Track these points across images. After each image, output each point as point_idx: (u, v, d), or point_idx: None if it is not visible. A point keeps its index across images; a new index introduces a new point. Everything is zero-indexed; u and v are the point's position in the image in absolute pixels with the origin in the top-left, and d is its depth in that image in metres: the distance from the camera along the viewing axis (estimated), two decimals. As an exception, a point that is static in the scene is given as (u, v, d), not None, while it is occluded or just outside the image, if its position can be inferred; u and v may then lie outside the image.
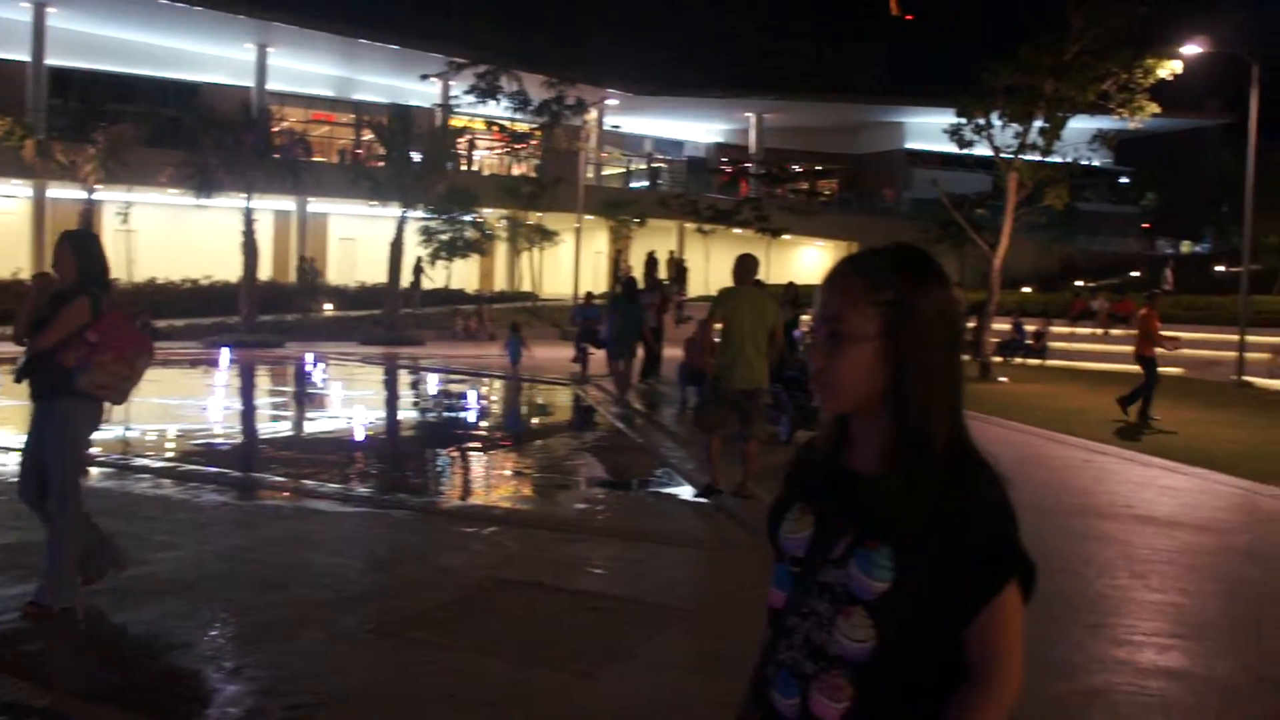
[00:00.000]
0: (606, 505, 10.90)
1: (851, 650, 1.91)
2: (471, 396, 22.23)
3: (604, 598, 7.34)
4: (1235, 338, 26.87)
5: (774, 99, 64.93)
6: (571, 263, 43.08)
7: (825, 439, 2.12)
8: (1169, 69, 25.89)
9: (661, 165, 64.36)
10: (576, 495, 11.76)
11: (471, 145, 50.95)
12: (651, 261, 39.56)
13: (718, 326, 10.30)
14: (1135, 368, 18.59)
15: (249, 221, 32.17)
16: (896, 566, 1.88)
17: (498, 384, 23.68)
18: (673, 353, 20.78)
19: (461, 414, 19.86)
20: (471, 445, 15.40)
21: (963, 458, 1.95)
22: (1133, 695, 5.96)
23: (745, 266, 10.43)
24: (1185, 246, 75.37)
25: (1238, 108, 30.62)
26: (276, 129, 39.00)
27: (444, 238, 38.60)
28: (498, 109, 42.92)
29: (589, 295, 26.72)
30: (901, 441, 1.95)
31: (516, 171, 49.32)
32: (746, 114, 65.08)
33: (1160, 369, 18.47)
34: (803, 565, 2.03)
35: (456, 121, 46.85)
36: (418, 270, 39.34)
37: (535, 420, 19.53)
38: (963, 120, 26.92)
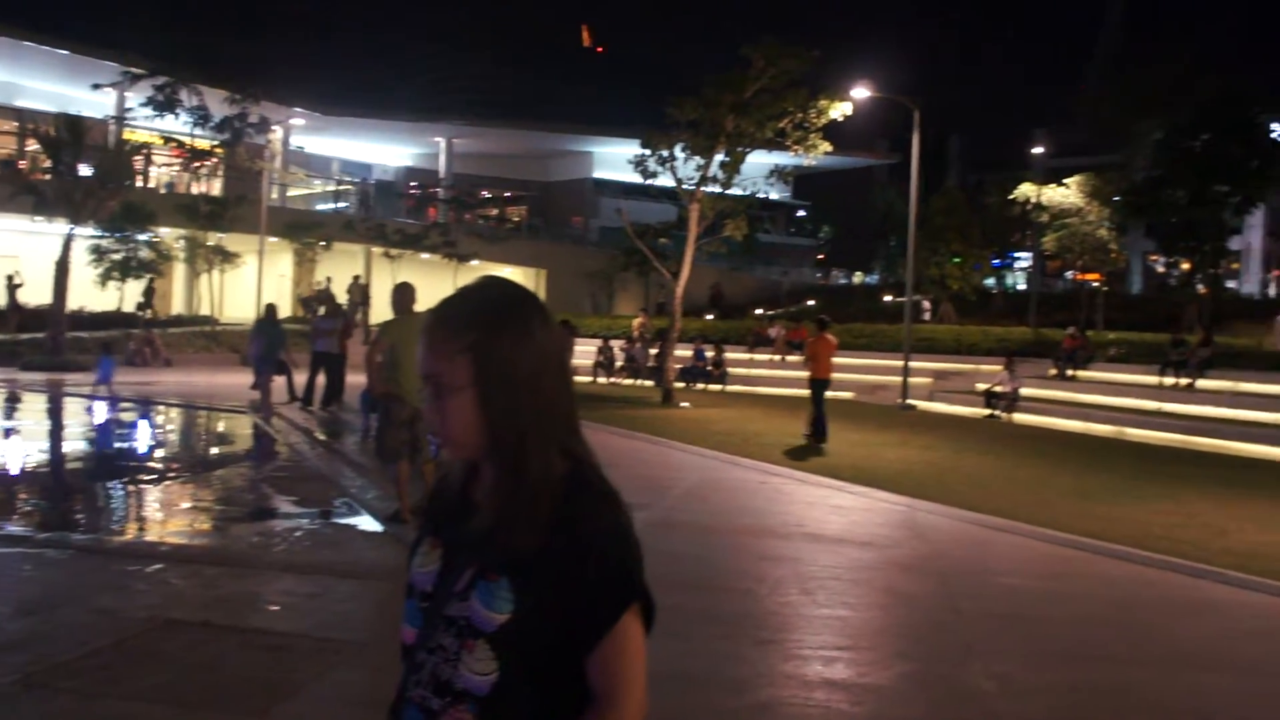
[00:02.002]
0: (281, 538, 10.49)
1: (475, 684, 1.91)
2: (142, 425, 21.13)
3: (276, 634, 7.10)
4: (900, 363, 28.50)
5: (464, 124, 64.89)
6: (254, 286, 41.64)
7: (456, 473, 2.13)
8: (840, 110, 27.21)
9: (349, 188, 63.23)
10: (250, 528, 11.23)
11: (148, 160, 48.61)
12: (323, 295, 38.64)
13: (380, 358, 10.35)
14: (806, 392, 19.43)
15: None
16: (516, 598, 1.90)
17: (172, 412, 22.62)
18: (357, 379, 20.44)
19: (130, 444, 18.81)
20: (139, 477, 14.52)
21: (579, 489, 1.97)
22: (799, 707, 6.19)
23: (404, 295, 10.59)
24: (857, 277, 79.55)
25: (904, 149, 32.66)
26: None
27: (116, 257, 36.64)
28: (177, 123, 41.13)
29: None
30: (499, 478, 1.98)
31: (196, 190, 47.38)
32: (436, 138, 64.75)
33: (830, 393, 19.38)
34: (431, 600, 2.03)
35: (132, 135, 44.68)
36: (149, 293, 37.35)
37: (211, 450, 18.70)
38: (647, 152, 27.51)
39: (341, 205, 59.72)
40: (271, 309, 22.17)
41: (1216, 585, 9.60)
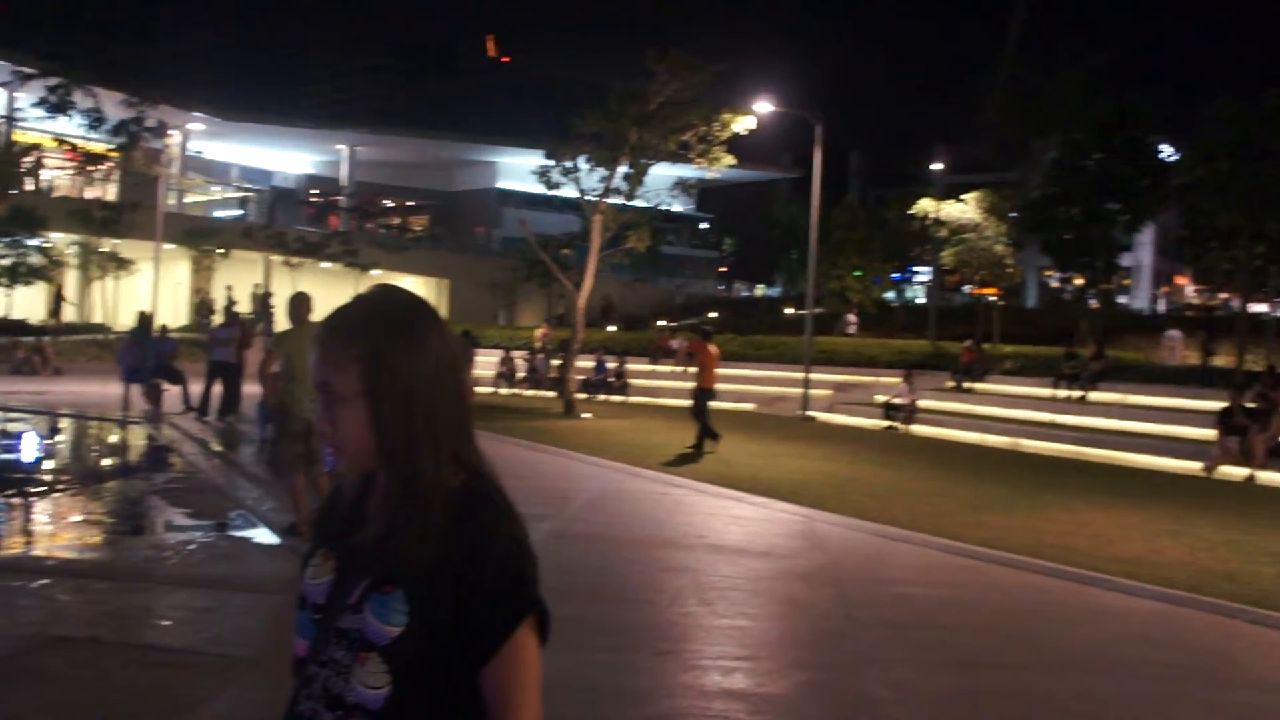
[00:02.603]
0: (175, 551, 10.24)
1: (368, 697, 1.88)
2: (28, 436, 20.56)
3: (168, 651, 6.95)
4: (801, 375, 28.75)
5: (367, 132, 64.44)
6: (150, 294, 40.84)
7: (349, 484, 2.10)
8: (743, 124, 27.41)
9: (249, 195, 62.38)
10: (142, 542, 10.94)
11: (39, 163, 47.45)
12: (201, 304, 38.06)
13: (275, 368, 10.18)
14: (711, 403, 19.51)
15: None
16: (410, 610, 1.87)
17: (62, 423, 22.07)
18: (255, 389, 20.14)
19: (15, 455, 18.28)
20: (25, 490, 14.12)
21: (473, 500, 1.95)
22: (698, 718, 6.20)
23: (299, 305, 10.39)
24: (759, 290, 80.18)
25: (806, 163, 33.03)
26: None
27: (4, 263, 35.76)
28: (71, 125, 40.23)
29: (163, 329, 25.36)
30: (390, 488, 1.95)
31: (90, 194, 46.36)
32: (339, 146, 64.16)
33: (732, 405, 19.49)
34: (323, 612, 1.99)
35: (22, 137, 43.65)
36: (58, 300, 36.40)
37: (102, 461, 18.28)
38: (551, 163, 27.47)
39: (241, 213, 58.85)
40: (144, 318, 21.92)
41: (1106, 592, 9.80)
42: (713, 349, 20.06)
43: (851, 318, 45.57)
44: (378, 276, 47.25)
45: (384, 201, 74.63)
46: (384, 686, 1.87)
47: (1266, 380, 22.07)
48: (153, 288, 41.12)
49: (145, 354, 20.73)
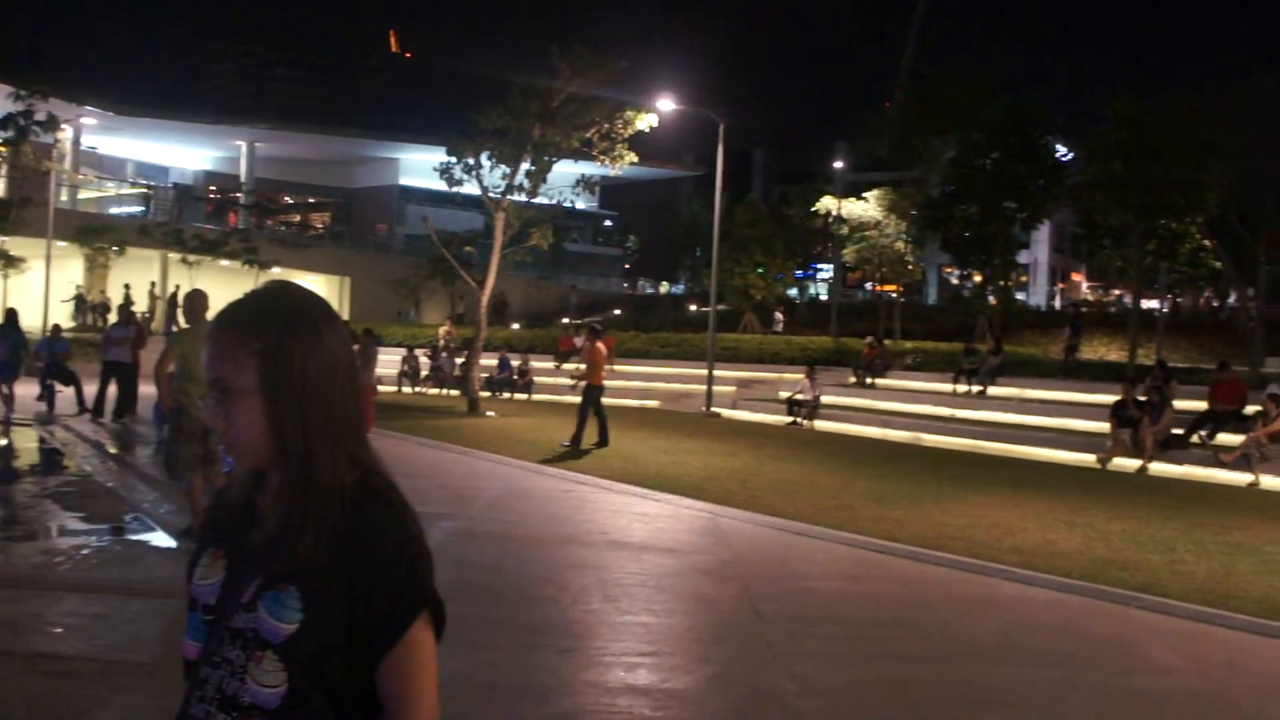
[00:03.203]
0: (67, 556, 9.96)
1: (264, 696, 1.85)
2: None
3: (59, 658, 6.76)
4: (704, 372, 28.87)
5: (267, 128, 63.47)
6: (41, 293, 39.83)
7: (240, 482, 2.06)
8: (647, 122, 27.44)
9: (145, 191, 61.11)
10: (33, 547, 10.61)
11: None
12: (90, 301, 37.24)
13: (171, 368, 9.93)
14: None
15: None
16: (305, 608, 1.85)
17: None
18: (151, 390, 19.75)
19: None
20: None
21: (368, 497, 1.93)
22: (602, 714, 6.17)
23: (195, 303, 10.13)
24: (663, 287, 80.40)
25: (709, 161, 33.18)
26: None
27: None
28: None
29: (56, 328, 24.74)
30: (287, 484, 1.93)
31: (-24, 191, 45.10)
32: (237, 142, 63.09)
33: (635, 402, 19.49)
34: (215, 613, 1.95)
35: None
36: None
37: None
38: (453, 160, 27.27)
39: (137, 209, 57.62)
40: (11, 314, 21.35)
41: (1004, 582, 9.96)
42: (601, 346, 20.13)
43: (779, 315, 45.89)
44: (278, 274, 46.60)
45: (284, 198, 73.63)
46: (280, 685, 1.84)
47: (1157, 374, 22.61)
48: (44, 287, 40.10)
49: (16, 350, 20.15)
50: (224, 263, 45.60)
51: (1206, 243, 35.74)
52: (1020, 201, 35.35)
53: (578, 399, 20.29)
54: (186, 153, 66.19)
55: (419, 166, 58.47)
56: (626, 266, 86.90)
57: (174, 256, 45.77)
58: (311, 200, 75.05)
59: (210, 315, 10.20)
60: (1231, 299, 57.27)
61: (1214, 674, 7.59)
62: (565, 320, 46.83)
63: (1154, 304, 46.52)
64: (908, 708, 6.67)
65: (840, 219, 42.57)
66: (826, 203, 43.06)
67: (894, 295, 48.12)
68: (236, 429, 1.91)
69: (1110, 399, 21.12)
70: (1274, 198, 33.93)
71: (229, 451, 1.97)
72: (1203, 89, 31.40)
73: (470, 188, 27.82)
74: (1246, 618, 8.87)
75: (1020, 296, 69.65)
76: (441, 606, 1.95)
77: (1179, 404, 21.14)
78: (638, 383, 31.79)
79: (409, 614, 1.89)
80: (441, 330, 36.82)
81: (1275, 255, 37.98)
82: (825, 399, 26.71)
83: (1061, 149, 38.32)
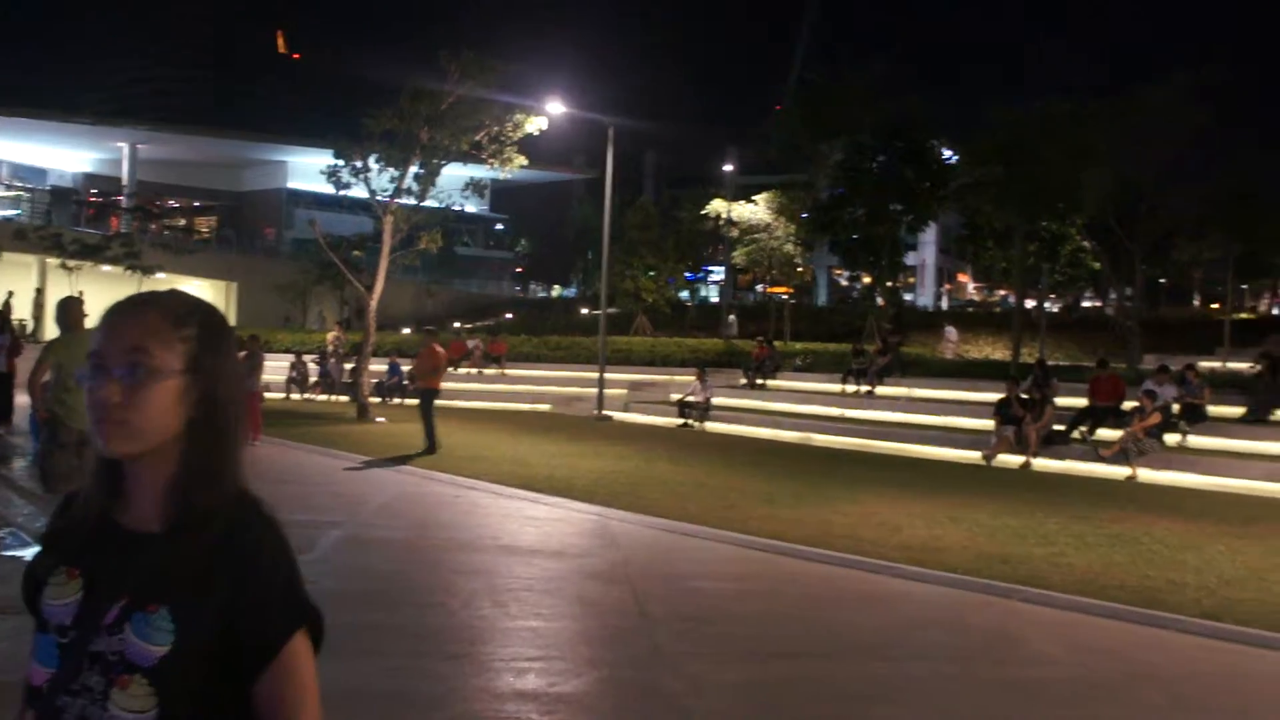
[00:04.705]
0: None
1: None
2: None
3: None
4: (595, 375, 28.87)
5: (149, 129, 62.14)
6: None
7: (93, 493, 1.93)
8: (537, 125, 27.38)
9: (21, 194, 59.46)
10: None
11: None
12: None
13: (46, 377, 9.62)
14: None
15: None
16: (177, 628, 1.77)
17: None
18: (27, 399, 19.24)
19: None
20: None
21: (242, 506, 1.88)
22: (489, 720, 6.13)
23: (70, 311, 9.83)
24: (555, 291, 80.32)
25: (601, 164, 33.21)
26: None
27: None
28: None
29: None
30: (191, 487, 1.84)
31: None
32: (119, 144, 61.65)
33: (527, 406, 19.39)
34: (71, 635, 1.83)
35: None
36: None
37: None
38: (341, 163, 26.94)
39: (13, 213, 56.04)
40: None
41: (891, 579, 10.10)
42: (439, 350, 19.78)
43: (731, 318, 45.94)
44: (162, 280, 45.65)
45: (168, 202, 72.16)
46: (149, 710, 1.75)
47: (1038, 372, 23.12)
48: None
49: None
50: (105, 268, 44.52)
51: (1086, 244, 36.66)
52: (906, 204, 35.94)
53: (462, 404, 20.08)
54: (66, 154, 64.57)
55: (307, 169, 57.69)
56: (518, 270, 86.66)
57: (53, 262, 44.56)
58: (197, 204, 73.69)
59: (89, 323, 9.96)
60: (1088, 301, 58.82)
61: (1092, 662, 7.77)
62: (457, 325, 46.49)
63: (1040, 304, 47.56)
64: (796, 705, 6.72)
65: (730, 222, 42.88)
66: (716, 205, 43.37)
67: (785, 297, 48.57)
68: (144, 409, 1.80)
69: (995, 397, 21.53)
70: (1148, 202, 34.88)
71: (114, 430, 1.81)
72: (1080, 97, 32.24)
73: (359, 191, 27.51)
74: (1123, 606, 9.11)
75: (908, 297, 70.78)
76: (319, 619, 1.90)
77: (1060, 401, 21.67)
78: (529, 386, 31.67)
79: (287, 629, 1.83)
80: (330, 335, 36.33)
81: (1151, 256, 39.06)
82: (716, 400, 26.87)
83: (947, 152, 39.03)
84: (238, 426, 1.90)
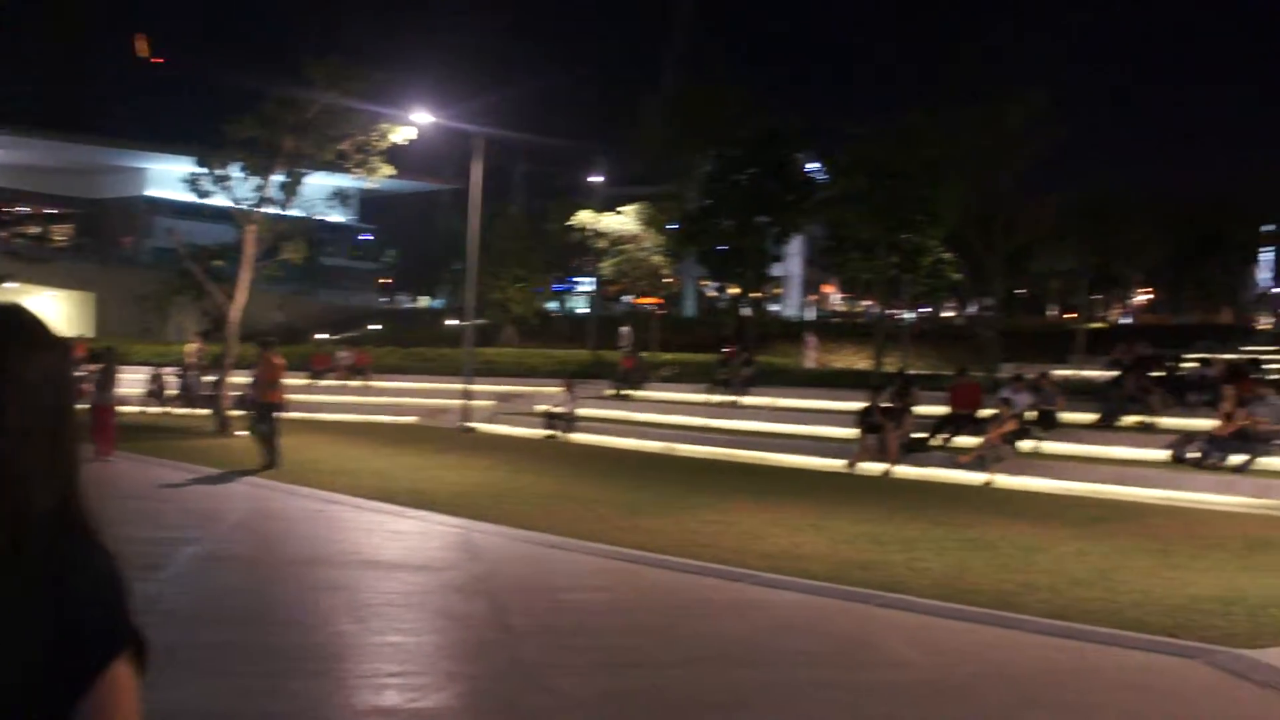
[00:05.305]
0: None
1: None
2: None
3: None
4: (462, 387, 28.67)
5: (1, 134, 60.07)
6: None
7: None
8: (403, 134, 27.14)
9: None
10: None
11: None
12: None
13: None
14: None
15: None
16: None
17: None
18: None
19: None
20: None
21: (72, 528, 1.80)
22: (345, 738, 6.05)
23: None
24: (422, 301, 79.62)
25: (468, 174, 32.89)
26: None
27: None
28: None
29: None
30: None
31: None
32: (-35, 149, 59.52)
33: (391, 418, 19.18)
34: None
35: None
36: None
37: None
38: (203, 170, 26.39)
39: None
40: None
41: (752, 586, 10.19)
42: (278, 360, 18.84)
43: (625, 329, 45.62)
44: (14, 290, 44.23)
45: (20, 209, 69.89)
46: None
47: (899, 381, 23.57)
48: None
49: None
50: (-50, 278, 42.99)
51: (946, 255, 37.51)
52: (773, 216, 36.40)
53: (326, 417, 19.62)
54: (-91, 160, 62.21)
55: (167, 177, 56.29)
56: (385, 281, 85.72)
57: (-106, 272, 42.91)
58: (52, 211, 71.46)
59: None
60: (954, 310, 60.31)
61: (947, 663, 7.93)
62: (322, 336, 45.84)
63: (913, 314, 48.59)
64: (656, 715, 6.74)
65: (598, 233, 42.96)
66: (584, 216, 43.39)
67: (653, 308, 48.79)
68: None
69: (858, 406, 21.88)
70: (1006, 214, 35.84)
71: None
72: (939, 112, 32.95)
73: (221, 199, 26.99)
74: (978, 609, 9.32)
75: (775, 308, 71.65)
76: (143, 642, 1.83)
77: (920, 409, 22.10)
78: (395, 399, 31.34)
79: (109, 652, 1.75)
80: (190, 348, 35.46)
81: (1009, 267, 40.12)
82: (583, 411, 26.88)
83: (813, 166, 39.64)
84: (45, 457, 1.79)
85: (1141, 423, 21.39)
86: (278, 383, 18.61)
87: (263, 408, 18.51)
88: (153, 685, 1.80)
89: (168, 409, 31.90)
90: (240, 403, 28.30)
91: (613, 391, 30.00)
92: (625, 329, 46.19)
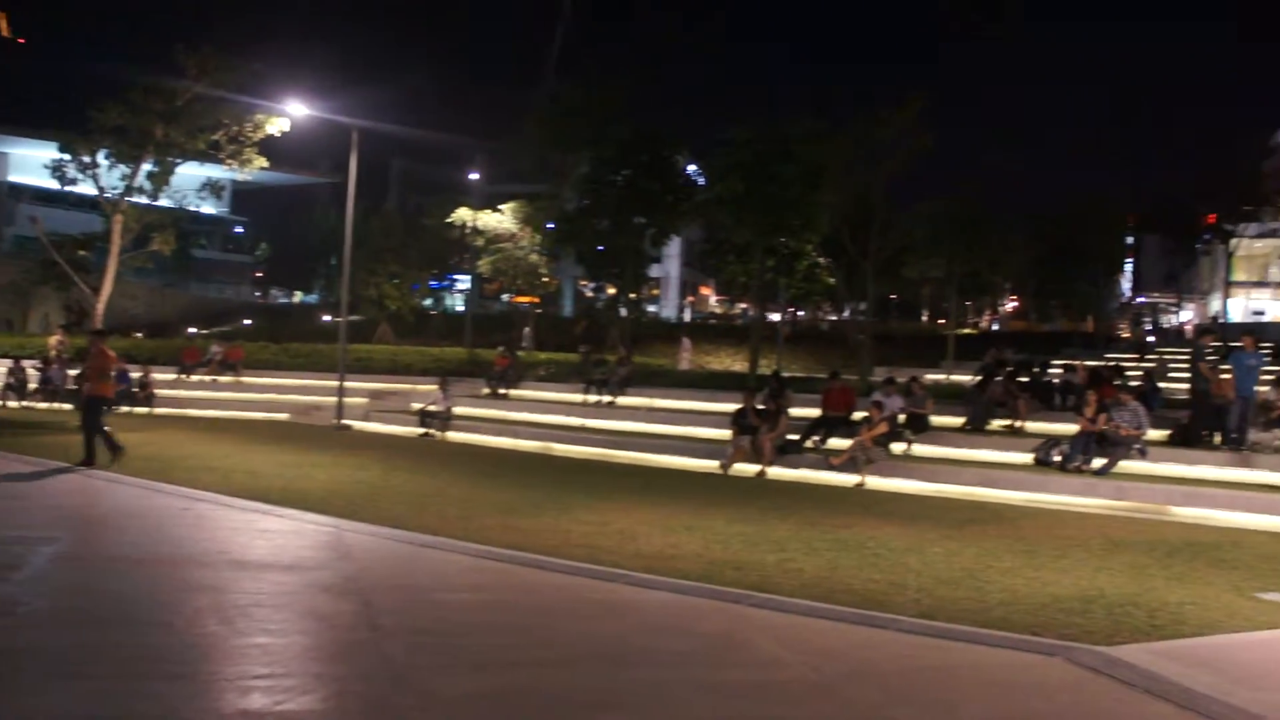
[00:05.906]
0: None
1: None
2: None
3: None
4: (336, 383, 28.29)
5: None
6: None
7: None
8: (278, 126, 26.76)
9: None
10: None
11: None
12: None
13: None
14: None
15: None
16: None
17: None
18: None
19: None
20: None
21: None
22: (210, 742, 5.93)
23: None
24: (297, 296, 78.41)
25: (346, 169, 32.46)
26: None
27: None
28: None
29: None
30: None
31: None
32: None
33: (264, 415, 18.88)
34: None
35: None
36: None
37: None
38: (67, 156, 25.71)
39: None
40: None
41: (626, 587, 10.21)
42: (109, 353, 18.43)
43: (527, 330, 45.18)
44: None
45: None
46: None
47: (774, 383, 23.85)
48: None
49: None
50: None
51: (821, 260, 38.01)
52: (649, 216, 36.54)
53: (195, 413, 19.25)
54: None
55: (30, 163, 54.64)
56: (258, 274, 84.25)
57: None
58: (-96, 197, 68.92)
59: None
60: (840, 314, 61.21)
61: (816, 662, 8.02)
62: (192, 330, 44.88)
63: (777, 317, 49.06)
64: (526, 715, 6.72)
65: (476, 230, 42.75)
66: (462, 213, 43.15)
67: (530, 307, 48.72)
68: None
69: (733, 408, 22.08)
70: (880, 221, 36.44)
71: None
72: (815, 118, 33.39)
73: (87, 187, 26.32)
74: (848, 609, 9.47)
75: (653, 309, 71.97)
76: None
77: (794, 411, 22.38)
78: (267, 395, 30.81)
79: None
80: (52, 340, 34.46)
81: (883, 273, 40.83)
82: (458, 410, 26.75)
83: (692, 168, 39.90)
84: None
85: (1009, 427, 21.97)
86: (108, 374, 18.13)
87: (92, 400, 17.92)
88: (11, 689, 1.75)
89: (28, 403, 31.00)
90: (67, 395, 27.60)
91: (488, 391, 29.87)
92: (527, 329, 46.09)
